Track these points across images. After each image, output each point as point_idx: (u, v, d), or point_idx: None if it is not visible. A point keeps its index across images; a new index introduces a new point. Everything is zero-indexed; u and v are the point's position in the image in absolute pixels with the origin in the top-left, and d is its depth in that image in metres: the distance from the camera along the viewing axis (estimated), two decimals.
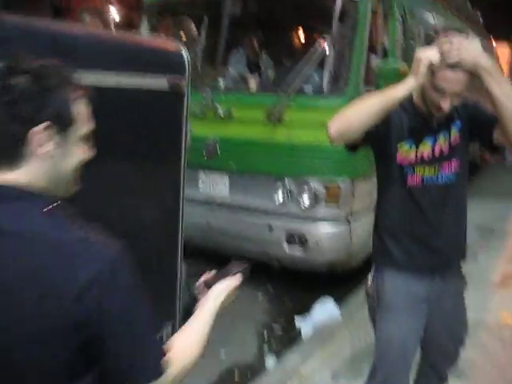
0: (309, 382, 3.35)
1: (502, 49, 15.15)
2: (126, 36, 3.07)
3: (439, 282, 2.24)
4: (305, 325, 4.21)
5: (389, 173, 2.19)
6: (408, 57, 5.38)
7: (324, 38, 4.45)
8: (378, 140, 2.13)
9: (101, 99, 2.48)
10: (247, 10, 4.90)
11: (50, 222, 1.12)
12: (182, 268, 2.83)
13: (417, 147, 2.13)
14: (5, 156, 1.13)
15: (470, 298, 2.47)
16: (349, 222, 4.68)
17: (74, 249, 1.10)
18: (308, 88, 4.60)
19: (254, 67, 5.29)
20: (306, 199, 4.60)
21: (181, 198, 2.87)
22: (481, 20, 10.76)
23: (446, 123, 2.13)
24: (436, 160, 2.13)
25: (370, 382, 2.31)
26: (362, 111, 2.00)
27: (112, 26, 5.28)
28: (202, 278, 1.47)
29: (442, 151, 2.14)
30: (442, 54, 1.93)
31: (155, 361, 1.16)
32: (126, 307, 1.12)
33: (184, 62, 2.89)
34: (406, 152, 2.13)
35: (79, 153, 1.22)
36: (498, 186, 8.69)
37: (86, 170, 2.32)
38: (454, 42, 1.91)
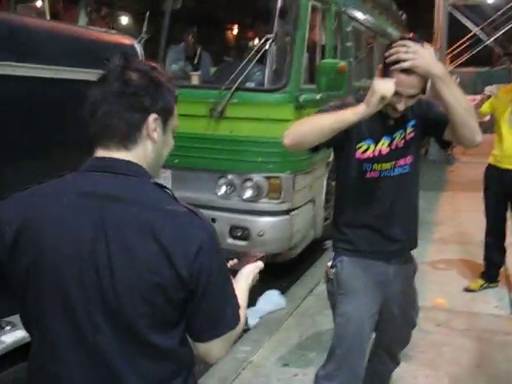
0: (261, 371, 3.44)
1: None
2: (78, 29, 3.03)
3: (394, 268, 2.38)
4: (251, 316, 4.29)
5: (348, 169, 2.31)
6: (344, 54, 5.58)
7: (266, 34, 4.53)
8: (337, 142, 2.24)
9: (55, 92, 2.47)
10: (188, 4, 4.91)
11: (160, 195, 1.29)
12: None
13: (375, 145, 2.26)
14: (122, 138, 1.29)
15: None
16: (290, 214, 4.81)
17: (184, 219, 1.26)
18: (250, 84, 4.68)
19: (196, 63, 5.31)
20: (248, 192, 4.68)
21: None
22: (405, 20, 11.22)
23: (401, 122, 2.26)
24: (393, 156, 2.27)
25: (328, 362, 2.41)
26: (313, 130, 2.13)
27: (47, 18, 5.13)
28: (228, 265, 1.61)
29: (398, 148, 2.28)
30: (398, 59, 2.05)
31: (236, 311, 1.35)
32: (220, 268, 1.30)
33: (137, 54, 2.89)
34: (364, 150, 2.26)
35: (171, 143, 1.41)
36: (422, 179, 9.10)
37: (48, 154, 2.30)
38: (410, 49, 2.04)
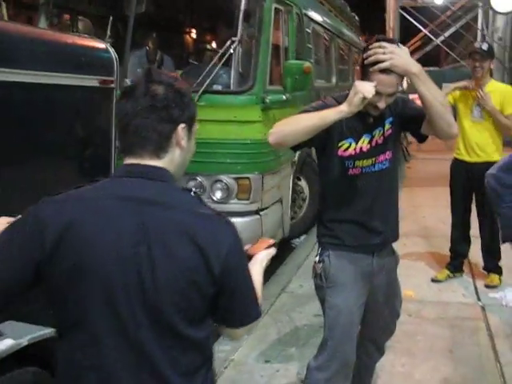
0: (244, 368, 3.48)
1: None
2: (51, 33, 3.00)
3: (378, 260, 2.47)
4: None
5: (331, 167, 2.39)
6: (305, 55, 5.68)
7: (231, 37, 4.57)
8: (319, 142, 2.31)
9: (33, 96, 2.45)
10: (152, 9, 4.90)
11: (190, 199, 1.39)
12: None
13: (356, 143, 2.34)
14: (155, 148, 1.37)
15: None
16: (259, 214, 4.86)
17: (214, 222, 1.36)
18: (217, 87, 4.71)
19: (158, 67, 5.30)
20: (218, 194, 4.70)
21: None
22: (357, 22, 11.48)
23: (380, 119, 2.36)
24: (373, 153, 2.36)
25: (320, 353, 2.46)
26: (296, 129, 2.21)
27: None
28: None
29: (377, 144, 2.37)
30: (376, 60, 2.14)
31: (257, 301, 1.45)
32: (244, 266, 1.42)
33: (112, 59, 2.89)
34: (346, 148, 2.34)
35: (194, 148, 1.48)
36: None
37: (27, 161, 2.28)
38: (387, 49, 2.13)
